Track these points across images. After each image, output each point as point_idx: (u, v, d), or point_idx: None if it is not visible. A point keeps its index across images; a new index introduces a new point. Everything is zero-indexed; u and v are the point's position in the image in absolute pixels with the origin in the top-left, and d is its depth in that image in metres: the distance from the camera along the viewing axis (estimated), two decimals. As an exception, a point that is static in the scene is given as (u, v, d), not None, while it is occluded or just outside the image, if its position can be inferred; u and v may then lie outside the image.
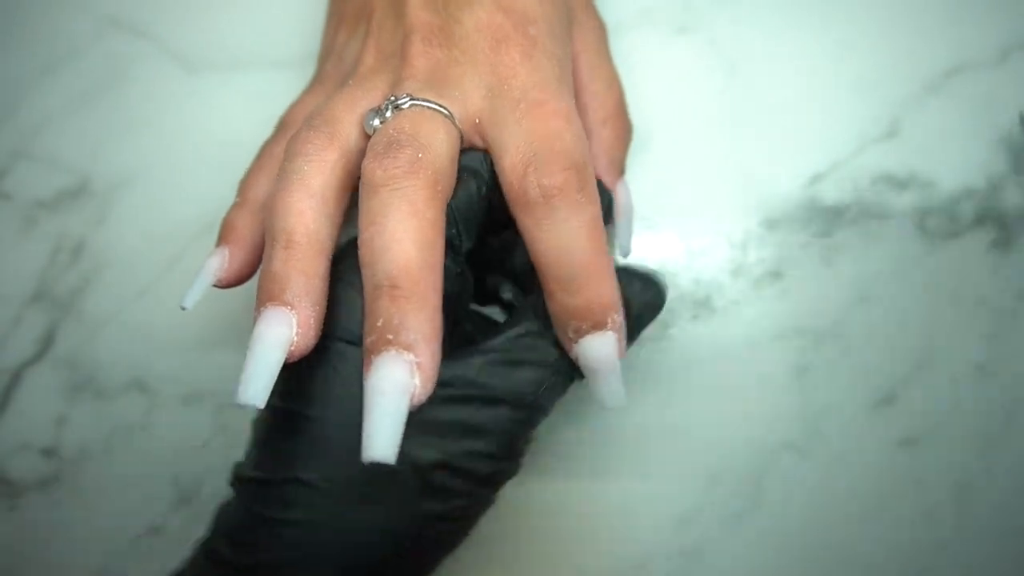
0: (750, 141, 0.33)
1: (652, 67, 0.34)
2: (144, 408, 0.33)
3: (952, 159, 0.33)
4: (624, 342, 0.24)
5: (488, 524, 0.28)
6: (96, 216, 0.33)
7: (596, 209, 0.23)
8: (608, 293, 0.23)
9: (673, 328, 0.33)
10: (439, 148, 0.23)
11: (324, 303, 0.23)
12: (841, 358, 0.33)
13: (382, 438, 0.20)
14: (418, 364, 0.21)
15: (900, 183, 0.33)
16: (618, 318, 0.23)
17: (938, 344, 0.33)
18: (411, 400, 0.21)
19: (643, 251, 0.33)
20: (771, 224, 0.33)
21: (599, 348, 0.23)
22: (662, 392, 0.33)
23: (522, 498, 0.31)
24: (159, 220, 0.33)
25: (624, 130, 0.30)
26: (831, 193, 0.33)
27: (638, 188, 0.32)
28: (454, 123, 0.24)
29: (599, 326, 0.23)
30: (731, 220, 0.33)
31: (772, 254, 0.33)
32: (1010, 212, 0.33)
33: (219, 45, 0.34)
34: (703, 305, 0.33)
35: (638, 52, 0.34)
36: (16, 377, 0.33)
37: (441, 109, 0.24)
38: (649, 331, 0.32)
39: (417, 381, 0.21)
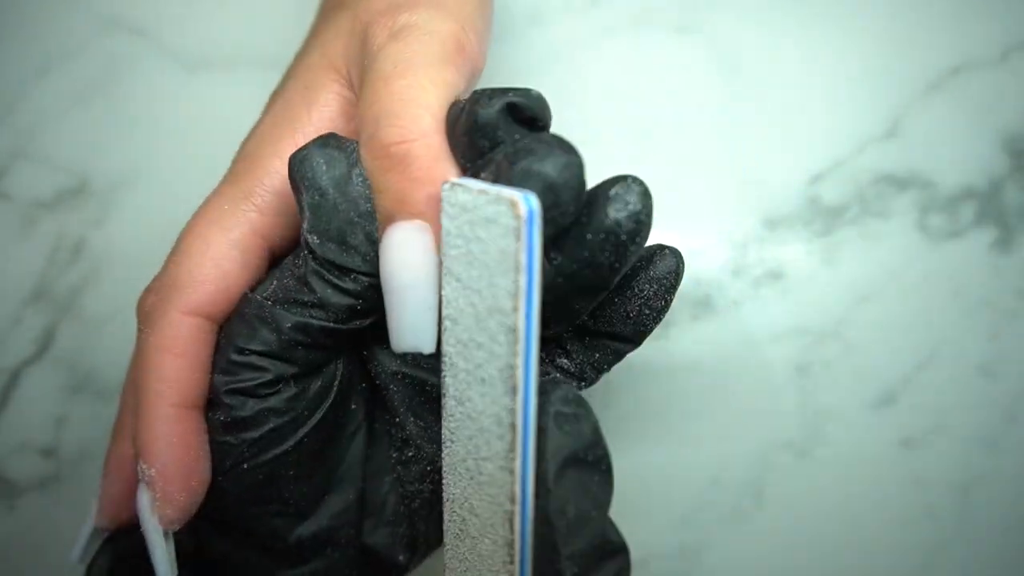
0: (750, 141, 0.33)
1: (652, 67, 0.34)
2: (144, 408, 0.33)
3: (953, 159, 0.33)
4: None
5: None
6: (95, 216, 0.33)
7: None
8: None
9: (673, 328, 0.33)
10: None
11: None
12: (841, 358, 0.33)
13: None
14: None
15: (901, 183, 0.33)
16: None
17: (938, 344, 0.33)
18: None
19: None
20: (771, 224, 0.33)
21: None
22: (662, 392, 0.33)
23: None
24: (158, 220, 0.33)
25: None
26: (832, 193, 0.33)
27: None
28: None
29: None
30: (731, 220, 0.33)
31: (772, 254, 0.33)
32: (1011, 212, 0.33)
33: (218, 44, 0.34)
34: (703, 305, 0.33)
35: (638, 52, 0.34)
36: (16, 377, 0.33)
37: None
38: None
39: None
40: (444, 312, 0.19)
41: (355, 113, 0.23)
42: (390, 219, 0.20)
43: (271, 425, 0.21)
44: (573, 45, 0.34)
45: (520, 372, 0.17)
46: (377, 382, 0.24)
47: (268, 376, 0.21)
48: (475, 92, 0.20)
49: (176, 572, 0.21)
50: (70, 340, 0.33)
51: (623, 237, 0.19)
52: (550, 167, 0.18)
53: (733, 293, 0.33)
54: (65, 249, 0.33)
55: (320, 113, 0.23)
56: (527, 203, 0.17)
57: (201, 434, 0.21)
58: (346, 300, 0.21)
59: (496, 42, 0.33)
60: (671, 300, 0.22)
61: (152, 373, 0.21)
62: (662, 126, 0.33)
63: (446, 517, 0.20)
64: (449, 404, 0.20)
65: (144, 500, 0.21)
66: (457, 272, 0.18)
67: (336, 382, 0.23)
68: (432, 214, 0.19)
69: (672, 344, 0.33)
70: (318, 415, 0.22)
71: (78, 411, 0.33)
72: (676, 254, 0.22)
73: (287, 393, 0.21)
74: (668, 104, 0.34)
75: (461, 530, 0.20)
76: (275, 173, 0.22)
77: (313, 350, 0.21)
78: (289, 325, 0.21)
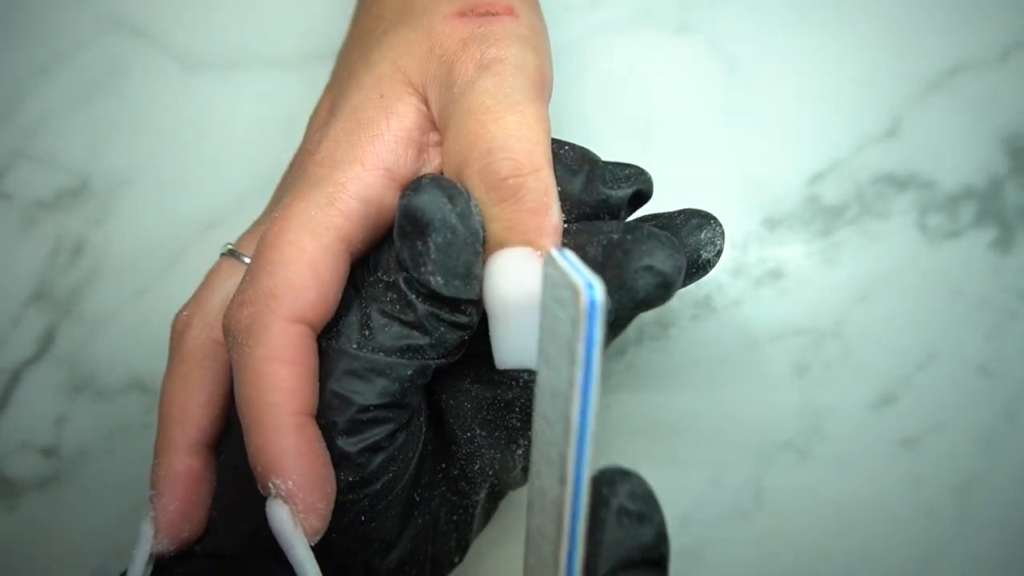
0: (750, 141, 0.33)
1: (652, 67, 0.34)
2: (144, 408, 0.33)
3: (952, 158, 0.33)
4: None
5: (492, 525, 0.28)
6: (96, 216, 0.33)
7: None
8: None
9: (673, 328, 0.33)
10: None
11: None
12: (841, 358, 0.33)
13: None
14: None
15: (900, 182, 0.33)
16: None
17: (938, 344, 0.33)
18: None
19: (643, 251, 0.33)
20: (771, 224, 0.33)
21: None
22: (662, 392, 0.33)
23: (524, 498, 0.31)
24: (159, 220, 0.33)
25: None
26: (831, 193, 0.33)
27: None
28: None
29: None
30: (731, 220, 0.33)
31: (772, 254, 0.33)
32: (1010, 212, 0.33)
33: (219, 45, 0.34)
34: (703, 305, 0.33)
35: (638, 52, 0.34)
36: (16, 377, 0.33)
37: None
38: (649, 331, 0.32)
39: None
40: (536, 379, 0.19)
41: (428, 127, 0.23)
42: (500, 245, 0.21)
43: (390, 475, 0.21)
44: (573, 45, 0.34)
45: (571, 464, 0.17)
46: (441, 404, 0.24)
47: (392, 427, 0.21)
48: (600, 164, 0.22)
49: None
50: (70, 340, 0.33)
51: (709, 270, 0.23)
52: (668, 266, 0.20)
53: (733, 293, 0.33)
54: (65, 249, 0.33)
55: (400, 123, 0.23)
56: (590, 293, 0.16)
57: (322, 441, 0.21)
58: (460, 335, 0.21)
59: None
60: (716, 262, 0.24)
61: (267, 386, 0.20)
62: (662, 126, 0.33)
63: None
64: (531, 477, 0.19)
65: (284, 516, 0.20)
66: (544, 348, 0.18)
67: (423, 417, 0.23)
68: (540, 241, 0.21)
69: (672, 344, 0.33)
70: (417, 454, 0.22)
71: (78, 411, 0.33)
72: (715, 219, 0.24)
73: (401, 440, 0.22)
74: (668, 104, 0.34)
75: None
76: (357, 179, 0.22)
77: (424, 390, 0.22)
78: (411, 372, 0.21)
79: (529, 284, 0.20)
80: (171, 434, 0.23)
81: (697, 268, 0.22)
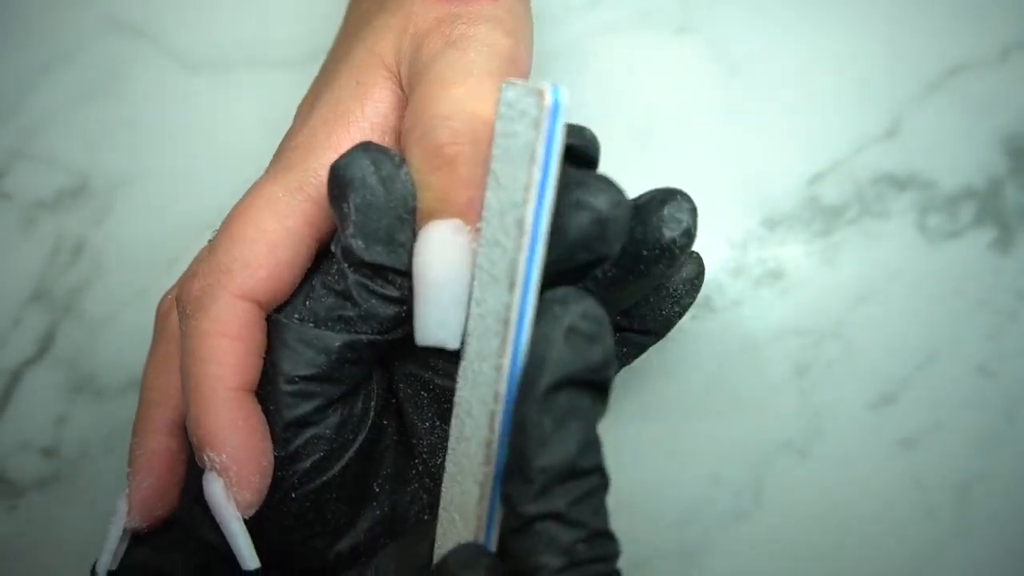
0: (750, 141, 0.33)
1: (652, 67, 0.34)
2: (144, 408, 0.33)
3: (952, 159, 0.33)
4: None
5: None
6: (96, 216, 0.33)
7: None
8: None
9: (673, 328, 0.33)
10: None
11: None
12: (841, 358, 0.33)
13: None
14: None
15: (900, 183, 0.33)
16: None
17: (938, 344, 0.33)
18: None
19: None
20: (771, 224, 0.33)
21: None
22: (662, 392, 0.33)
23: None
24: (159, 220, 0.33)
25: None
26: (831, 193, 0.33)
27: (638, 188, 0.32)
28: None
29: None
30: (731, 220, 0.33)
31: (772, 254, 0.33)
32: (1010, 212, 0.33)
33: (219, 45, 0.34)
34: (703, 305, 0.33)
35: (638, 52, 0.34)
36: (16, 377, 0.33)
37: None
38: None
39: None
40: (481, 217, 0.19)
41: (403, 111, 0.23)
42: (430, 216, 0.20)
43: (321, 454, 0.21)
44: (573, 45, 0.34)
45: (521, 267, 0.17)
46: (399, 393, 0.24)
47: (319, 401, 0.21)
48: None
49: (258, 560, 0.21)
50: (70, 340, 0.33)
51: (676, 252, 0.21)
52: (602, 201, 0.19)
53: (733, 293, 0.33)
54: (65, 249, 0.33)
55: (374, 108, 0.23)
56: (554, 94, 0.16)
57: (261, 416, 0.21)
58: (392, 309, 0.21)
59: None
60: (696, 296, 0.24)
61: (208, 358, 0.21)
62: (662, 126, 0.33)
63: (452, 422, 0.20)
64: (471, 307, 0.19)
65: (216, 489, 0.20)
66: (495, 171, 0.18)
67: (373, 402, 0.23)
68: (471, 216, 0.20)
69: (672, 344, 0.33)
70: (360, 437, 0.22)
71: (78, 411, 0.33)
72: (697, 254, 0.24)
73: (335, 419, 0.21)
74: (668, 104, 0.34)
75: (460, 433, 0.20)
76: (328, 165, 0.22)
77: (358, 366, 0.21)
78: (338, 344, 0.20)
79: (453, 259, 0.19)
80: (150, 414, 0.23)
81: (661, 250, 0.21)
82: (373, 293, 0.20)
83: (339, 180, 0.20)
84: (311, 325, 0.21)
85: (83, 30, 0.34)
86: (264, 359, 0.21)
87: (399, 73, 0.23)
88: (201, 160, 0.34)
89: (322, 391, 0.21)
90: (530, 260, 0.17)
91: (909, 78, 0.34)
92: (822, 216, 0.33)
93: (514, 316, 0.17)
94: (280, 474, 0.21)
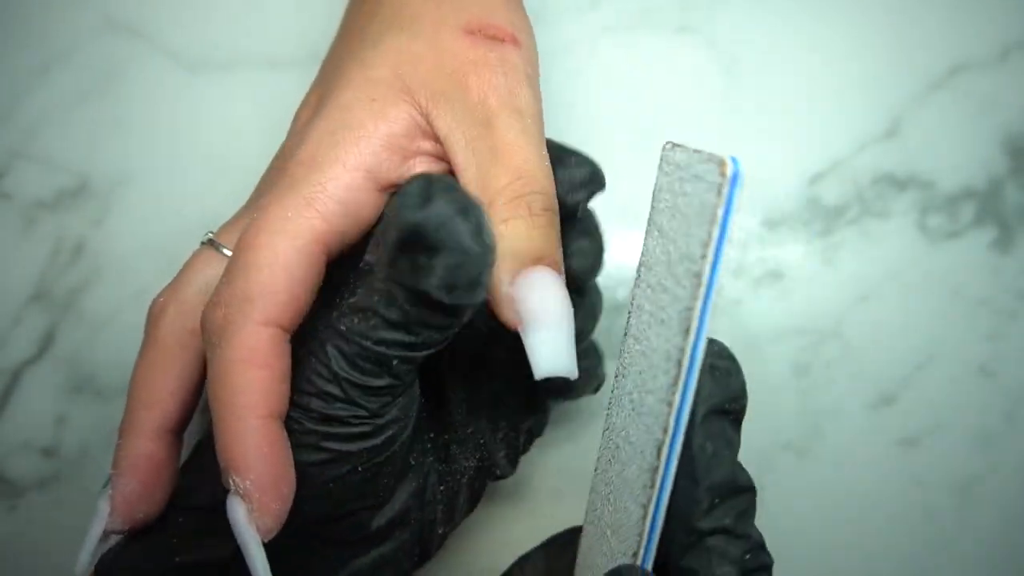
0: (750, 141, 0.33)
1: (652, 67, 0.34)
2: (144, 408, 0.33)
3: (952, 159, 0.33)
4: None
5: (494, 522, 0.28)
6: (96, 216, 0.33)
7: None
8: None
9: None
10: None
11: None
12: (841, 358, 0.33)
13: None
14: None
15: (900, 183, 0.33)
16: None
17: (938, 344, 0.33)
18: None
19: (643, 251, 0.33)
20: (771, 224, 0.33)
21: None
22: (662, 392, 0.33)
23: (525, 498, 0.32)
24: (159, 220, 0.33)
25: None
26: (831, 193, 0.33)
27: (638, 188, 0.32)
28: None
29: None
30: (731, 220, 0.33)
31: (772, 254, 0.33)
32: (1010, 212, 0.33)
33: (218, 45, 0.34)
34: (703, 305, 0.33)
35: (638, 52, 0.34)
36: (16, 377, 0.33)
37: None
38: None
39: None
40: (641, 260, 0.21)
41: (418, 135, 0.24)
42: (527, 262, 0.22)
43: (391, 432, 0.22)
44: (573, 45, 0.34)
45: (696, 314, 0.19)
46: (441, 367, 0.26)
47: (387, 399, 0.22)
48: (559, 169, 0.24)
49: None
50: (70, 340, 0.33)
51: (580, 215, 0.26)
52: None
53: (733, 293, 0.33)
54: (65, 249, 0.33)
55: (389, 128, 0.23)
56: (734, 163, 0.18)
57: (287, 443, 0.21)
58: (446, 334, 0.21)
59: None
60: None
61: (236, 386, 0.21)
62: (662, 126, 0.33)
63: (602, 444, 0.22)
64: (628, 343, 0.21)
65: (240, 512, 0.21)
66: (660, 223, 0.20)
67: (416, 383, 0.24)
68: (556, 257, 0.23)
69: (672, 344, 0.32)
70: (414, 414, 0.23)
71: (78, 411, 0.33)
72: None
73: (401, 403, 0.22)
74: (668, 104, 0.34)
75: (613, 456, 0.22)
76: (337, 179, 0.22)
77: (416, 369, 0.22)
78: (396, 361, 0.21)
79: (565, 300, 0.22)
80: (137, 417, 0.24)
81: (567, 212, 0.24)
82: (428, 326, 0.21)
83: (421, 237, 0.19)
84: (370, 343, 0.21)
85: (81, 30, 0.34)
86: (322, 363, 0.21)
87: (425, 104, 0.23)
88: (200, 160, 0.34)
89: (387, 391, 0.22)
90: (704, 310, 0.19)
91: (909, 78, 0.34)
92: (822, 216, 0.33)
93: (686, 359, 0.19)
94: (352, 449, 0.22)
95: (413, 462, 0.24)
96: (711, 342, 0.21)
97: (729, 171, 0.18)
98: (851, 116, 0.33)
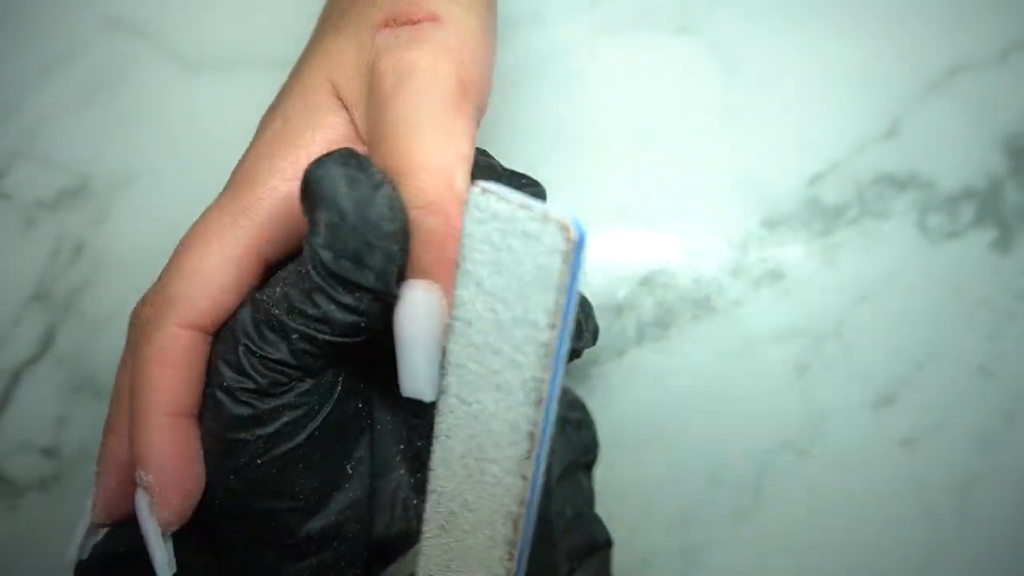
0: (750, 141, 0.33)
1: (652, 67, 0.34)
2: (144, 408, 0.33)
3: (952, 159, 0.33)
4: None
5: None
6: (96, 216, 0.33)
7: None
8: None
9: (673, 328, 0.33)
10: None
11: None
12: (841, 358, 0.33)
13: None
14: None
15: (900, 183, 0.33)
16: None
17: (938, 344, 0.33)
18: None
19: (644, 251, 0.33)
20: (771, 224, 0.33)
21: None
22: (662, 392, 0.33)
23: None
24: (159, 220, 0.33)
25: None
26: (831, 193, 0.33)
27: (638, 188, 0.32)
28: None
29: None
30: (731, 220, 0.33)
31: (772, 254, 0.33)
32: (1010, 212, 0.33)
33: (219, 45, 0.34)
34: (703, 305, 0.33)
35: (638, 52, 0.34)
36: (16, 377, 0.33)
37: None
38: (649, 331, 0.32)
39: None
40: (455, 312, 0.19)
41: (356, 140, 0.23)
42: (412, 273, 0.21)
43: (285, 419, 0.22)
44: (573, 45, 0.34)
45: (547, 387, 0.18)
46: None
47: (279, 377, 0.21)
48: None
49: (175, 571, 0.22)
50: (70, 340, 0.33)
51: None
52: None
53: (733, 293, 0.33)
54: (65, 249, 0.33)
55: (325, 135, 0.23)
56: (578, 228, 0.17)
57: (195, 440, 0.22)
58: (350, 318, 0.21)
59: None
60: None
61: (147, 384, 0.22)
62: (662, 126, 0.33)
63: (429, 507, 0.21)
64: (450, 401, 0.20)
65: (143, 504, 0.21)
66: (478, 277, 0.19)
67: (341, 378, 0.23)
68: (446, 279, 0.20)
69: (672, 344, 0.33)
70: (327, 408, 0.23)
71: (78, 411, 0.33)
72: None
73: (300, 388, 0.22)
74: (668, 104, 0.34)
75: (448, 522, 0.20)
76: (273, 190, 0.22)
77: (320, 358, 0.22)
78: (296, 336, 0.21)
79: (425, 319, 0.21)
80: (119, 419, 0.24)
81: None
82: (331, 299, 0.21)
83: (310, 191, 0.20)
84: (276, 311, 0.21)
85: (83, 30, 0.34)
86: (235, 331, 0.22)
87: (351, 109, 0.23)
88: (201, 160, 0.34)
89: (281, 370, 0.21)
90: (553, 383, 0.18)
91: (909, 78, 0.34)
92: (822, 216, 0.33)
93: (539, 431, 0.18)
94: (245, 437, 0.22)
95: (351, 471, 0.24)
96: (564, 393, 0.19)
97: (575, 236, 0.17)
98: (851, 116, 0.34)
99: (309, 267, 0.21)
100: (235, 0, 0.35)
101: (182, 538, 0.22)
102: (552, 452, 0.19)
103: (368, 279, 0.20)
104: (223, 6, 0.34)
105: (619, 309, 0.33)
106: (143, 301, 0.23)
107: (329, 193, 0.20)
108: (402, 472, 0.25)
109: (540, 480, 0.19)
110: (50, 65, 0.34)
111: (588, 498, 0.20)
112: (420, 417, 0.25)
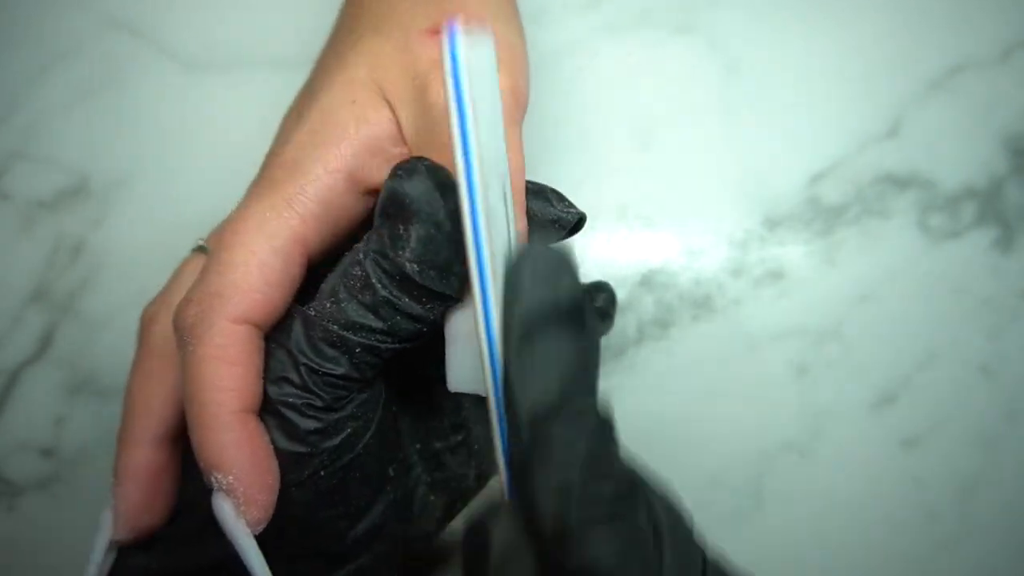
0: (750, 141, 0.33)
1: (652, 67, 0.34)
2: (144, 408, 0.33)
3: (953, 158, 0.33)
4: None
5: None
6: (95, 216, 0.33)
7: None
8: None
9: (673, 328, 0.33)
10: None
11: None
12: (841, 358, 0.33)
13: None
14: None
15: (901, 182, 0.33)
16: None
17: (939, 344, 0.33)
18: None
19: (643, 251, 0.33)
20: (771, 224, 0.33)
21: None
22: (662, 392, 0.33)
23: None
24: (158, 220, 0.33)
25: None
26: (832, 192, 0.33)
27: (638, 188, 0.32)
28: None
29: None
30: (731, 220, 0.33)
31: (772, 254, 0.33)
32: (1011, 212, 0.33)
33: (218, 45, 0.34)
34: (703, 305, 0.33)
35: (638, 52, 0.34)
36: (15, 377, 0.33)
37: None
38: (649, 331, 0.32)
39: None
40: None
41: (399, 140, 0.23)
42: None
43: (348, 431, 0.22)
44: (573, 45, 0.34)
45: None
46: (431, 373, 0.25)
47: (341, 392, 0.21)
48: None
49: (270, 574, 0.21)
50: (70, 340, 0.33)
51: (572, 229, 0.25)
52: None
53: (733, 293, 0.33)
54: (65, 249, 0.33)
55: (370, 131, 0.23)
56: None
57: (264, 434, 0.21)
58: (415, 326, 0.21)
59: (496, 42, 0.33)
60: None
61: (208, 383, 0.21)
62: (662, 126, 0.33)
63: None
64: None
65: (226, 508, 0.21)
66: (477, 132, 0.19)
67: (383, 385, 0.23)
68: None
69: (672, 344, 0.32)
70: (378, 416, 0.23)
71: (78, 411, 0.33)
72: None
73: (359, 399, 0.22)
74: (668, 104, 0.34)
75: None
76: (317, 181, 0.22)
77: (378, 368, 0.22)
78: (359, 349, 0.21)
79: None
80: (134, 427, 0.24)
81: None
82: (398, 311, 0.21)
83: (401, 205, 0.20)
84: (336, 327, 0.21)
85: (82, 30, 0.34)
86: (284, 347, 0.22)
87: (396, 109, 0.23)
88: (200, 160, 0.34)
89: (344, 385, 0.21)
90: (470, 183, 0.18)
91: (910, 78, 0.34)
92: (823, 216, 0.33)
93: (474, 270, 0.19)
94: (309, 451, 0.21)
95: (392, 473, 0.24)
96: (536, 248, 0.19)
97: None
98: (851, 116, 0.33)
99: (374, 280, 0.21)
100: (235, 0, 0.34)
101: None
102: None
103: (452, 287, 0.21)
104: (223, 6, 0.34)
105: (619, 309, 0.33)
106: (186, 302, 0.22)
107: (426, 206, 0.20)
108: (420, 471, 0.25)
109: (495, 321, 0.19)
110: (49, 65, 0.34)
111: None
112: (436, 419, 0.25)
